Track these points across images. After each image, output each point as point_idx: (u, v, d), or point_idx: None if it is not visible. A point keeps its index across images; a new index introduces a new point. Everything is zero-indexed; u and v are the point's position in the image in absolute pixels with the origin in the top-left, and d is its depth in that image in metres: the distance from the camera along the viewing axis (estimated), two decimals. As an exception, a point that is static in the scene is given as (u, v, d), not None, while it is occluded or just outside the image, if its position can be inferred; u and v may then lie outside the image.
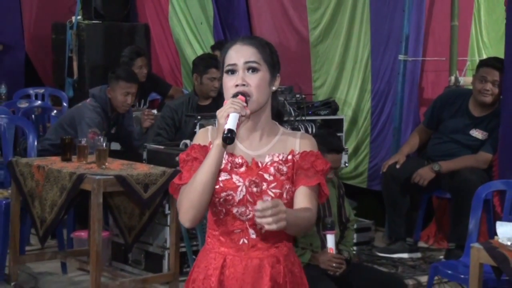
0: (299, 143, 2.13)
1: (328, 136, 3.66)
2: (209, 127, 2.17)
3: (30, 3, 7.59)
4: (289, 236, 2.14)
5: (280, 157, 2.11)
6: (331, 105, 5.23)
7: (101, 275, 3.88)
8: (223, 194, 2.07)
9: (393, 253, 4.86)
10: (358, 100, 5.62)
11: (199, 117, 4.63)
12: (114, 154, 4.54)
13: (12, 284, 4.22)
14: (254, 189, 2.07)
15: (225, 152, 2.08)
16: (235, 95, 2.06)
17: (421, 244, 5.17)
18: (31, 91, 6.64)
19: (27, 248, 4.70)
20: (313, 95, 5.63)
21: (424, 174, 4.75)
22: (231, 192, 2.07)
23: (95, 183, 3.76)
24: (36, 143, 4.71)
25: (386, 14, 5.41)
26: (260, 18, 6.39)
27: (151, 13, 7.20)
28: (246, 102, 2.06)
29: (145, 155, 4.62)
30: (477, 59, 5.35)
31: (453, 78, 5.29)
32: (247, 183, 2.08)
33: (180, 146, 4.62)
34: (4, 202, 4.31)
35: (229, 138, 1.98)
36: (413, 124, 5.32)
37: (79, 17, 6.86)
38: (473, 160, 4.74)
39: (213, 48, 6.32)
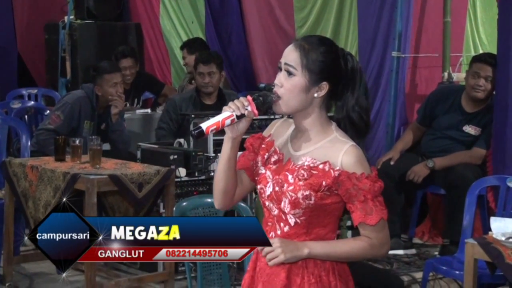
0: (341, 159, 2.08)
1: None
2: (283, 118, 2.26)
3: (22, 4, 7.56)
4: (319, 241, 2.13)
5: (310, 163, 2.10)
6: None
7: (96, 275, 3.88)
8: (259, 187, 2.18)
9: (388, 250, 4.87)
10: None
11: (193, 115, 4.62)
12: (108, 154, 4.53)
13: (7, 284, 4.21)
14: (277, 188, 2.12)
15: (274, 146, 2.17)
16: (258, 95, 2.10)
17: (416, 240, 5.17)
18: (24, 92, 6.63)
19: (22, 248, 4.69)
20: None
21: (419, 171, 4.76)
22: (263, 186, 2.16)
23: (89, 183, 3.76)
24: (29, 143, 4.70)
25: (373, 11, 5.41)
26: (250, 16, 6.39)
27: (143, 13, 7.20)
28: (260, 103, 2.08)
29: (139, 154, 4.62)
30: (473, 55, 5.37)
31: (446, 74, 5.30)
32: (274, 181, 2.13)
33: (174, 145, 4.61)
34: (-3, 202, 4.30)
35: (192, 135, 2.07)
36: (399, 121, 5.32)
37: (72, 17, 6.84)
38: (467, 156, 4.75)
39: (181, 47, 6.32)
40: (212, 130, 2.04)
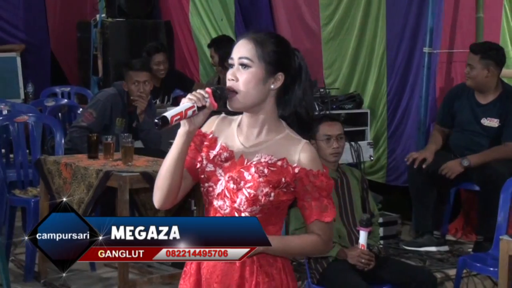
0: (298, 156, 2.07)
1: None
2: (221, 115, 2.18)
3: (54, 3, 7.66)
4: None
5: (267, 159, 2.07)
6: (355, 99, 5.19)
7: (128, 272, 3.91)
8: (206, 185, 2.12)
9: (420, 247, 4.84)
10: (373, 95, 5.59)
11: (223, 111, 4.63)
12: (140, 152, 4.56)
13: (42, 281, 4.27)
14: (231, 185, 2.07)
15: (219, 143, 2.12)
16: (217, 87, 2.06)
17: (449, 237, 5.13)
18: (58, 90, 6.71)
19: (56, 245, 4.75)
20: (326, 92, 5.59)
21: (453, 167, 4.70)
22: (212, 184, 2.10)
23: (121, 180, 3.79)
24: (63, 141, 4.76)
25: (402, 7, 5.38)
26: (279, 13, 6.39)
27: (173, 10, 7.24)
28: (218, 96, 2.05)
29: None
30: (510, 51, 5.33)
31: (478, 69, 5.25)
32: (227, 178, 2.08)
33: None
34: (33, 200, 4.36)
35: (156, 124, 2.01)
36: (430, 117, 5.29)
37: (103, 15, 6.91)
38: (500, 151, 4.69)
39: (208, 46, 6.32)
40: (176, 120, 2.01)
